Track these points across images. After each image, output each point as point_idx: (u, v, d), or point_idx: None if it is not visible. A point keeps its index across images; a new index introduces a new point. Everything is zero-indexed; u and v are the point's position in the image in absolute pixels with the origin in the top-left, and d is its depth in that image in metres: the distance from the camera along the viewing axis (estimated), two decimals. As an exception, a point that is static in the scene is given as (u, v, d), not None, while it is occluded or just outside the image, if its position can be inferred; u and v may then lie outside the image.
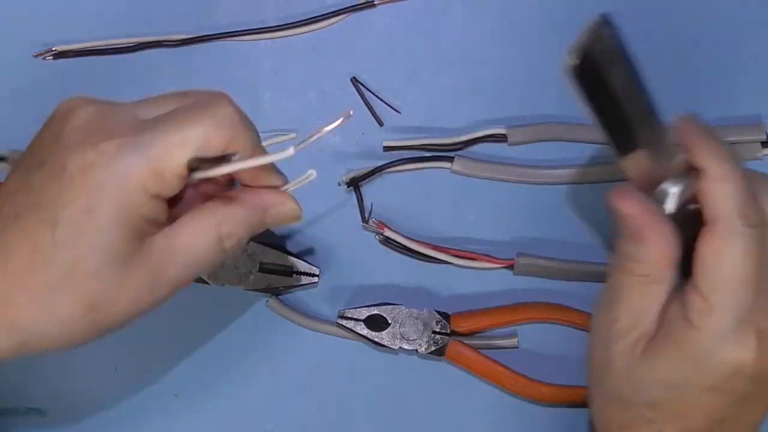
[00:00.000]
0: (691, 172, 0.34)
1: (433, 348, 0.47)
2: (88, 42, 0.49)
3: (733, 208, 0.33)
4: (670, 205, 0.34)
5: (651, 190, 0.34)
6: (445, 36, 0.50)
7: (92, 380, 0.47)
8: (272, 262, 0.46)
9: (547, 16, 0.50)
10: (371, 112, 0.49)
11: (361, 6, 0.49)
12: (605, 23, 0.30)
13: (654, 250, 0.34)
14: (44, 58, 0.49)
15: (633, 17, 0.49)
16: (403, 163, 0.48)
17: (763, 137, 0.48)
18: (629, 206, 0.34)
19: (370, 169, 0.48)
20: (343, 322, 0.47)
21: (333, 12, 0.49)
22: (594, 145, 0.48)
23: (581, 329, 0.47)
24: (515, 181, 0.48)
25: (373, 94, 0.49)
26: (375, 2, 0.49)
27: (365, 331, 0.47)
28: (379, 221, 0.48)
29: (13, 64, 0.49)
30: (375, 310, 0.47)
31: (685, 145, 0.35)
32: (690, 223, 0.34)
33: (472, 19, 0.50)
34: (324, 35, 0.50)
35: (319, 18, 0.49)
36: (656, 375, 0.34)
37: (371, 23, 0.50)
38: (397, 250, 0.48)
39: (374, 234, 0.48)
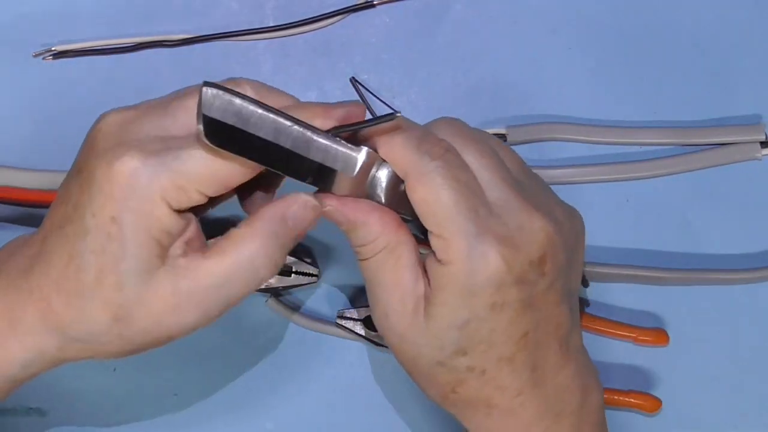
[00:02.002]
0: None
1: (432, 348, 0.46)
2: (88, 42, 0.49)
3: (412, 154, 0.34)
4: (382, 186, 0.36)
5: (365, 190, 0.36)
6: (446, 36, 0.50)
7: (92, 380, 0.47)
8: (272, 262, 0.46)
9: (547, 15, 0.50)
10: (371, 112, 0.49)
11: (360, 6, 0.49)
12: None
13: (372, 224, 0.35)
14: (44, 58, 0.49)
15: (633, 18, 0.50)
16: (402, 163, 0.48)
17: (762, 137, 0.48)
18: (329, 203, 0.35)
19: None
20: (343, 322, 0.47)
21: (333, 12, 0.49)
22: (593, 145, 0.48)
23: (582, 329, 0.47)
24: (515, 181, 0.48)
25: (373, 94, 0.49)
26: (375, 2, 0.49)
27: (364, 331, 0.47)
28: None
29: (12, 64, 0.49)
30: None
31: (358, 137, 0.36)
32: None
33: (472, 19, 0.50)
34: (324, 35, 0.50)
35: (318, 18, 0.49)
36: (446, 322, 0.35)
37: (371, 23, 0.50)
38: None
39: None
